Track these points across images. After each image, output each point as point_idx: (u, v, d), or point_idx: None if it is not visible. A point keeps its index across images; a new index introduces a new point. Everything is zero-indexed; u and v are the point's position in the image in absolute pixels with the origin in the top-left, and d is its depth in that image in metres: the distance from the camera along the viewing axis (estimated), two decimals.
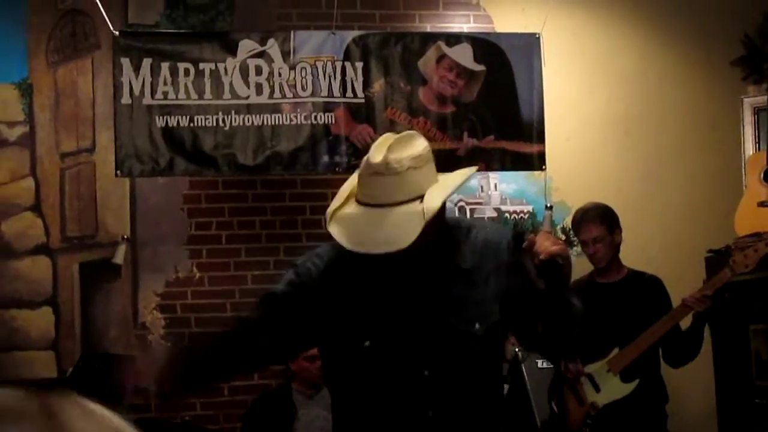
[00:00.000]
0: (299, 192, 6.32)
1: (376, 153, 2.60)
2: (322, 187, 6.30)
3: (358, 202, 2.65)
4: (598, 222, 5.13)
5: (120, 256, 5.98)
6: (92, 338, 6.12)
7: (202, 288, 6.22)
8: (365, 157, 2.64)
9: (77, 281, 6.15)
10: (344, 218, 2.65)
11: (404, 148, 2.62)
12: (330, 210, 2.67)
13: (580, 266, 5.07)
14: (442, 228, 2.76)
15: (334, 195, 6.35)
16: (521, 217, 6.51)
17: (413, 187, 2.59)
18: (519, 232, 2.75)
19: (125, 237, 6.07)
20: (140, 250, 6.18)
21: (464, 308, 2.75)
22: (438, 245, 2.73)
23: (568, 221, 6.49)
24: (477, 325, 2.74)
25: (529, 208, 6.52)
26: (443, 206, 2.68)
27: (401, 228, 2.54)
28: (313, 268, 2.81)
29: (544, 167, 6.00)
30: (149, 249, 6.20)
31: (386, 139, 2.66)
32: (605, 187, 6.51)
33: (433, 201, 2.56)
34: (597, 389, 5.07)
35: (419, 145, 2.66)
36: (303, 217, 6.31)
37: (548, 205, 6.31)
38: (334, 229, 2.63)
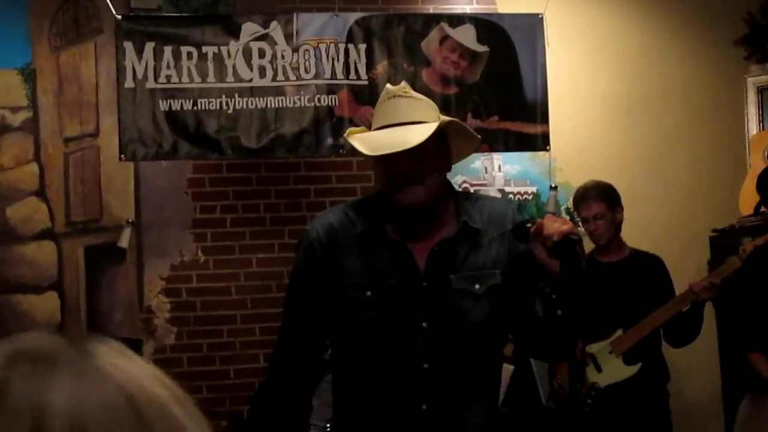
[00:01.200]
0: (303, 175, 6.33)
1: (393, 85, 2.84)
2: (326, 169, 6.31)
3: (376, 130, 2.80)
4: (599, 199, 5.15)
5: (125, 240, 5.99)
6: (98, 322, 6.13)
7: (207, 271, 6.23)
8: (383, 91, 2.85)
9: (82, 265, 6.16)
10: (362, 136, 2.80)
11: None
12: (347, 132, 2.85)
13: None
14: (451, 190, 2.92)
15: (338, 177, 6.40)
16: (525, 198, 6.51)
17: (428, 113, 2.79)
18: (519, 222, 2.77)
19: (130, 221, 6.08)
20: (145, 234, 6.19)
21: (465, 268, 2.82)
22: (446, 204, 2.86)
23: (572, 201, 6.50)
24: (477, 286, 2.80)
25: (533, 188, 6.52)
26: (447, 159, 2.87)
27: (415, 133, 2.69)
28: (320, 229, 2.90)
29: (548, 148, 6.00)
30: (154, 233, 6.20)
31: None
32: (608, 167, 6.51)
33: (444, 118, 2.77)
34: (599, 369, 5.09)
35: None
36: (307, 199, 6.31)
37: (553, 185, 6.31)
38: (353, 141, 2.76)
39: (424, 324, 2.78)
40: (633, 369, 5.04)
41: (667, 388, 5.20)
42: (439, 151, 2.79)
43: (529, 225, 2.66)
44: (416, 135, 2.68)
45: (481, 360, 2.86)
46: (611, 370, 5.07)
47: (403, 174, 2.71)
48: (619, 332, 5.07)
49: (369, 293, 2.79)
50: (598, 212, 5.15)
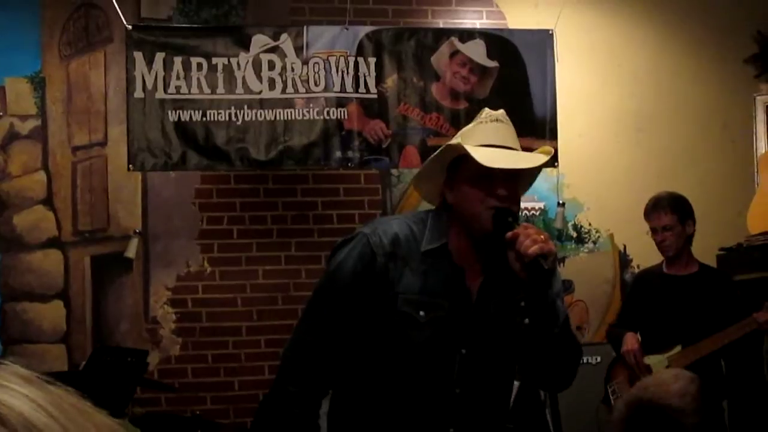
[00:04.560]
0: (310, 187, 6.32)
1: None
2: (333, 182, 6.31)
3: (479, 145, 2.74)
4: (669, 210, 5.11)
5: (132, 250, 5.98)
6: (103, 332, 6.13)
7: (213, 282, 6.22)
8: (480, 113, 2.84)
9: (89, 275, 6.16)
10: (475, 148, 2.69)
11: None
12: (453, 141, 2.77)
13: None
14: None
15: (345, 190, 6.39)
16: (533, 214, 6.50)
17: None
18: (505, 219, 2.70)
19: (137, 231, 6.07)
20: (152, 244, 6.19)
21: (508, 297, 2.78)
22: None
23: (580, 218, 6.50)
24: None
25: (541, 204, 6.51)
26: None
27: (529, 158, 2.73)
28: (384, 237, 2.79)
29: (556, 164, 5.98)
30: (161, 243, 6.20)
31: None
32: (617, 183, 6.52)
33: (548, 151, 2.80)
34: None
35: None
36: (314, 212, 6.31)
37: (560, 201, 6.30)
38: (472, 151, 2.65)
39: (463, 350, 2.76)
40: None
41: (723, 404, 5.16)
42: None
43: (510, 220, 2.65)
44: (532, 159, 2.71)
45: (508, 385, 2.86)
46: None
47: (503, 195, 2.67)
48: (678, 348, 5.04)
49: (422, 313, 2.73)
50: (668, 223, 5.10)
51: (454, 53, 5.90)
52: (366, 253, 2.76)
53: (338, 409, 2.91)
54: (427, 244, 2.77)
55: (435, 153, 2.80)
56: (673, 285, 5.13)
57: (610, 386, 5.24)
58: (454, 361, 2.74)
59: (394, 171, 6.31)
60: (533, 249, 2.54)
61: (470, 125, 2.82)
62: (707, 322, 4.97)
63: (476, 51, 5.92)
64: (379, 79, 5.80)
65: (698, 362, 4.96)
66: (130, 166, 5.66)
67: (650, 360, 5.08)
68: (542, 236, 2.59)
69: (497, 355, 2.79)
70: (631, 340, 5.13)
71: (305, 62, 5.74)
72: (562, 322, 2.74)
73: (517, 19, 6.53)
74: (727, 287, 5.17)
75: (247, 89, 5.68)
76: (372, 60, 5.80)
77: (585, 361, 5.76)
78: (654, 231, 5.19)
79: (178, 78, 5.64)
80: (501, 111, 2.81)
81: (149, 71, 5.63)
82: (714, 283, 5.15)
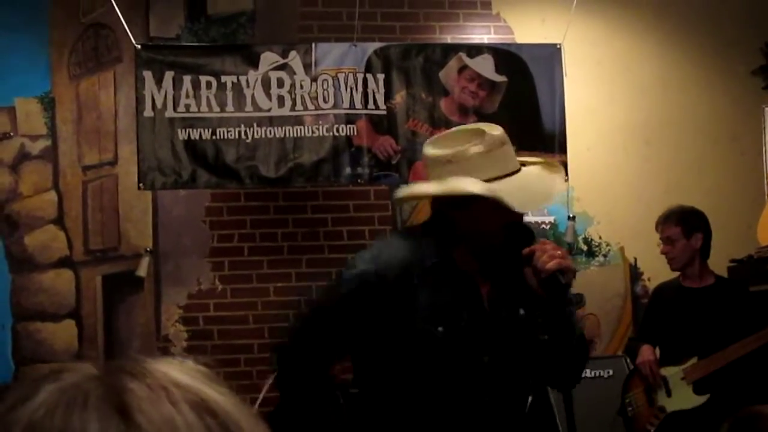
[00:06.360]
0: (321, 204, 6.33)
1: (490, 129, 2.69)
2: (343, 198, 6.31)
3: (490, 180, 2.64)
4: (675, 223, 5.11)
5: (143, 269, 6.00)
6: (115, 351, 6.13)
7: (225, 300, 6.22)
8: (482, 137, 2.66)
9: (100, 294, 6.17)
10: (503, 189, 2.61)
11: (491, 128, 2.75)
12: (474, 189, 2.61)
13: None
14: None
15: (355, 206, 6.37)
16: (543, 227, 6.49)
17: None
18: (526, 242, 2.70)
19: (148, 249, 6.08)
20: (163, 263, 6.20)
21: (520, 299, 2.77)
22: (512, 239, 2.72)
23: (590, 231, 6.49)
24: (521, 312, 2.79)
25: (551, 218, 6.50)
26: None
27: (551, 184, 2.70)
28: (393, 262, 2.75)
29: (566, 178, 5.98)
30: (172, 261, 6.21)
31: (475, 125, 2.83)
32: (626, 196, 6.51)
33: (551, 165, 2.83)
34: (668, 394, 5.07)
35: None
36: (325, 228, 6.31)
37: (570, 215, 6.29)
38: (504, 198, 2.58)
39: (485, 358, 2.74)
40: (701, 399, 4.99)
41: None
42: None
43: (526, 236, 2.67)
44: (554, 185, 2.72)
45: (526, 390, 2.86)
46: (680, 396, 5.04)
47: (520, 216, 2.69)
48: (694, 360, 5.03)
49: (441, 328, 2.70)
50: (670, 235, 5.12)
51: (463, 68, 5.91)
52: (368, 282, 2.73)
53: (367, 419, 2.90)
54: (431, 259, 2.74)
55: (447, 188, 2.67)
56: (690, 297, 5.13)
57: (627, 398, 5.24)
58: (479, 370, 2.73)
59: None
60: (551, 265, 2.54)
61: (474, 151, 2.65)
62: (724, 334, 4.95)
63: (484, 66, 5.93)
64: (388, 96, 5.81)
65: (712, 379, 4.96)
66: (141, 184, 5.67)
67: (666, 371, 5.08)
68: (559, 252, 2.59)
69: (517, 359, 2.78)
70: (646, 352, 5.12)
71: (314, 79, 5.75)
72: (578, 335, 2.76)
73: (525, 33, 6.54)
74: (744, 299, 5.16)
75: (257, 107, 5.69)
76: (380, 76, 5.81)
77: (597, 374, 5.75)
78: (662, 242, 5.21)
79: (187, 96, 5.66)
80: (501, 131, 2.70)
81: (159, 90, 5.65)
82: (730, 295, 5.14)
